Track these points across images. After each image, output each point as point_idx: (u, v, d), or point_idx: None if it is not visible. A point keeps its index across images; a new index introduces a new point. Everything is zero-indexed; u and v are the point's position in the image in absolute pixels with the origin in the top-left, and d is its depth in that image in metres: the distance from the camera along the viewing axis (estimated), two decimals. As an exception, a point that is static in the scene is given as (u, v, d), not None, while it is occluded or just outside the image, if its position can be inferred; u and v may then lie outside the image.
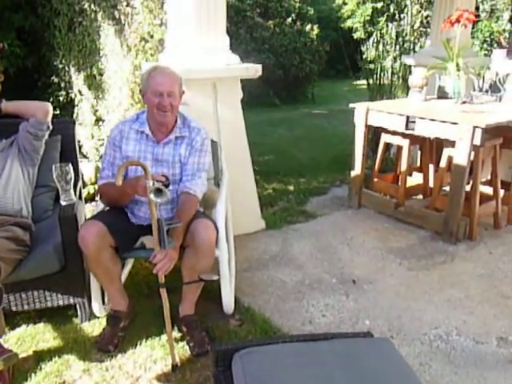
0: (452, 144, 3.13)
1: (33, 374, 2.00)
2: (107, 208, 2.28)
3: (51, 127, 2.50)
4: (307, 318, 2.39)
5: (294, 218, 3.59)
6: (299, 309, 2.47)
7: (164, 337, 2.20)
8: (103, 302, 2.35)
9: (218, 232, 2.15)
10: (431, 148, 3.87)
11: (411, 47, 9.77)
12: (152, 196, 1.84)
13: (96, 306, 2.30)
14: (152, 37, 3.16)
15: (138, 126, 2.20)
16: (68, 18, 3.66)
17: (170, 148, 2.19)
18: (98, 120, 3.76)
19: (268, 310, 2.44)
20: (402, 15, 11.92)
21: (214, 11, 2.82)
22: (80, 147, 3.88)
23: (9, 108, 2.51)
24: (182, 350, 2.15)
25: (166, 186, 1.92)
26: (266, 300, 2.54)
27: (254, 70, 3.00)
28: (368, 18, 12.86)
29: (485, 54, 11.59)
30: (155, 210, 1.90)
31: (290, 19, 9.55)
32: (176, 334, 2.23)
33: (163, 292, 2.00)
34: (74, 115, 3.86)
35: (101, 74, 3.57)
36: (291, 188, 4.25)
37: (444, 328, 2.33)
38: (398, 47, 8.57)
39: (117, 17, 3.26)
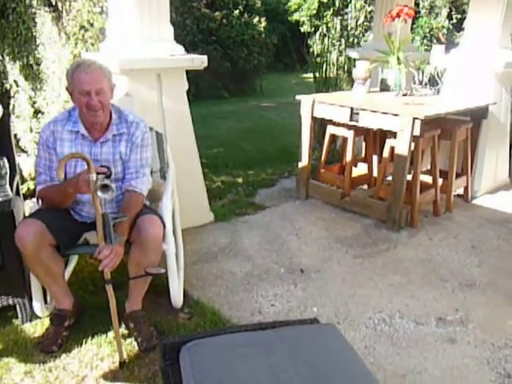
0: (394, 135, 3.24)
1: (-31, 380, 1.90)
2: (47, 205, 2.19)
3: None
4: (256, 308, 2.41)
5: (242, 210, 3.60)
6: (248, 299, 2.49)
7: (111, 334, 2.15)
8: (45, 302, 2.26)
9: (164, 226, 2.12)
10: (375, 139, 3.99)
11: (356, 41, 10.00)
12: (99, 193, 1.79)
13: (37, 306, 2.21)
14: (92, 25, 3.05)
15: (71, 126, 2.07)
16: (0, 3, 3.45)
17: (109, 147, 2.09)
18: (37, 112, 3.59)
19: (217, 302, 2.44)
20: (347, 10, 12.16)
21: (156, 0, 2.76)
22: (18, 141, 3.70)
23: None
24: (130, 346, 2.11)
25: (108, 177, 1.87)
26: (215, 292, 2.54)
27: (200, 61, 2.96)
28: (314, 11, 13.02)
29: (425, 49, 12.05)
30: (99, 204, 1.84)
31: (237, 11, 9.51)
32: (124, 330, 2.18)
33: (109, 288, 1.95)
34: (10, 107, 3.67)
35: (38, 64, 3.40)
36: (240, 180, 4.26)
37: (387, 312, 2.42)
38: (343, 41, 8.74)
39: (53, 3, 3.11)
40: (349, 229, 3.33)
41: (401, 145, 3.14)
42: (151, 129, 2.48)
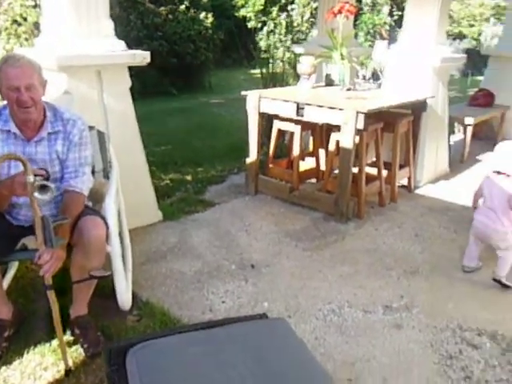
0: (339, 129, 3.30)
1: None
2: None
3: None
4: (207, 306, 2.39)
5: (192, 207, 3.56)
6: (199, 298, 2.46)
7: (55, 342, 2.07)
8: (-17, 312, 2.14)
9: (108, 227, 2.05)
10: (321, 133, 4.05)
11: (303, 37, 10.13)
12: (37, 194, 1.71)
13: (-26, 317, 2.09)
14: (25, 19, 2.90)
15: (1, 125, 1.95)
16: None
17: (44, 146, 1.99)
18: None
19: (167, 302, 2.40)
20: (293, 6, 12.27)
21: (94, -6, 2.66)
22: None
23: None
24: (76, 353, 2.04)
25: (47, 180, 1.79)
26: (164, 292, 2.50)
27: (142, 57, 2.89)
28: (261, 7, 13.05)
29: (369, 45, 12.37)
30: (38, 207, 1.76)
31: (183, 6, 9.39)
32: (69, 336, 2.11)
33: (51, 294, 1.86)
34: None
35: (-31, 61, 3.21)
36: (189, 178, 4.21)
37: (337, 302, 2.47)
38: (290, 37, 8.81)
39: (-17, -3, 2.95)
40: (298, 222, 3.37)
41: (345, 138, 3.21)
42: (92, 127, 2.39)
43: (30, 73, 1.87)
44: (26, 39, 2.91)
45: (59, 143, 2.01)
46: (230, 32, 12.80)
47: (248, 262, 2.82)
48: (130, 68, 2.94)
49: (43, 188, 1.72)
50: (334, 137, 3.49)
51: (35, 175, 1.76)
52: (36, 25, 2.92)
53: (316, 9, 10.24)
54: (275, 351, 1.52)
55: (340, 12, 3.76)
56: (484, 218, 2.63)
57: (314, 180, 4.10)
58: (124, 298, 2.25)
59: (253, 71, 11.44)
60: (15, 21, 2.85)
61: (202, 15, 9.70)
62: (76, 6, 2.60)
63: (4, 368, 1.95)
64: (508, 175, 2.54)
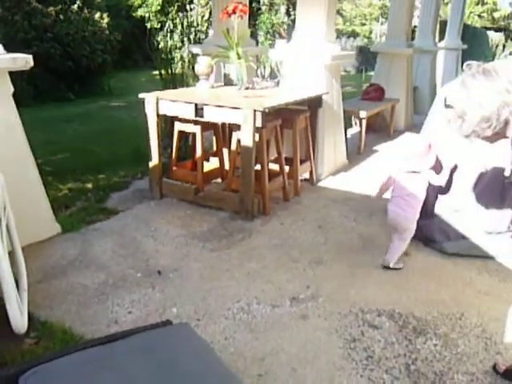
0: (239, 128, 3.33)
1: None
2: None
3: None
4: (113, 319, 2.30)
5: (93, 216, 3.40)
6: (103, 311, 2.36)
7: None
8: None
9: (-8, 246, 1.89)
10: (224, 133, 4.07)
11: (203, 37, 10.10)
12: None
13: None
14: None
15: None
16: None
17: None
18: None
19: (68, 320, 2.27)
20: (191, 6, 12.21)
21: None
22: None
23: None
24: (-35, 387, 1.86)
25: None
26: (65, 310, 2.36)
27: (24, 60, 2.69)
28: (159, 7, 12.83)
29: (269, 44, 12.68)
30: None
31: (75, 6, 8.94)
32: (-44, 370, 1.91)
33: None
34: None
35: None
36: (90, 186, 4.02)
37: (245, 300, 2.49)
38: (189, 37, 8.74)
39: None
40: (205, 224, 3.36)
41: (245, 136, 3.25)
42: (-31, 139, 2.20)
43: None
44: None
45: None
46: (130, 33, 12.45)
47: (154, 269, 2.75)
48: (22, 73, 2.74)
49: None
50: (235, 136, 3.52)
51: None
52: None
53: (215, 8, 10.26)
54: (179, 358, 1.49)
55: (234, 12, 3.79)
56: (395, 207, 2.77)
57: (219, 180, 4.11)
58: (18, 320, 2.08)
59: (155, 72, 11.22)
60: None
61: (97, 15, 9.33)
62: None
63: None
64: (417, 172, 2.68)
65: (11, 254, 2.28)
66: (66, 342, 2.10)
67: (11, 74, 2.75)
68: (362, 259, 2.95)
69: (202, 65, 3.82)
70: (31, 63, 2.72)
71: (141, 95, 3.56)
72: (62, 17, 8.56)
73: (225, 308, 2.41)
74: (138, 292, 2.52)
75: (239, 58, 3.85)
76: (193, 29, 10.67)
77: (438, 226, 3.07)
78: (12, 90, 2.75)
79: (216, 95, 3.63)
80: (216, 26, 4.66)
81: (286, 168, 3.81)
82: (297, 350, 2.14)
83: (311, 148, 4.11)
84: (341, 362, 2.08)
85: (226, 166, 4.03)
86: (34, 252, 2.79)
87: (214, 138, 4.21)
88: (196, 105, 3.38)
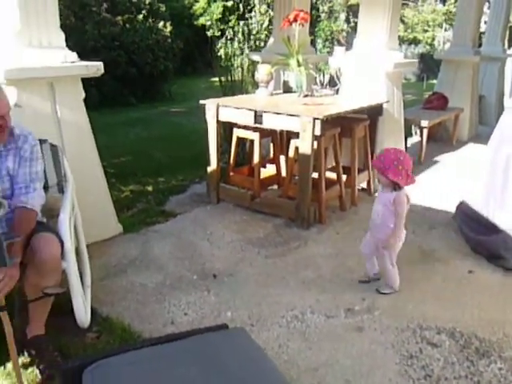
0: (297, 135, 3.33)
1: None
2: None
3: None
4: (169, 319, 2.36)
5: (153, 218, 3.51)
6: (160, 311, 2.43)
7: (9, 365, 1.99)
8: None
9: (62, 244, 1.99)
10: (281, 140, 4.09)
11: (262, 44, 10.20)
12: None
13: None
14: (-28, 32, 2.80)
15: None
16: None
17: None
18: None
19: (128, 317, 2.35)
20: (251, 14, 12.37)
21: (43, 3, 2.60)
22: None
23: None
24: (32, 374, 1.97)
25: None
26: (125, 307, 2.45)
27: (96, 68, 2.84)
28: (220, 16, 13.10)
29: (327, 52, 12.60)
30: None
31: (141, 16, 9.31)
32: (25, 358, 2.03)
33: (4, 315, 1.79)
34: None
35: None
36: (150, 189, 4.16)
37: (299, 308, 2.48)
38: (249, 45, 8.86)
39: None
40: (260, 230, 3.37)
41: (304, 144, 3.24)
42: (44, 141, 2.34)
43: (7, 99, 1.89)
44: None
45: (10, 159, 1.97)
46: (191, 40, 12.79)
47: (210, 272, 2.80)
48: (90, 79, 2.89)
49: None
50: (293, 143, 3.52)
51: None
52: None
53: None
54: (234, 362, 1.50)
55: (295, 20, 3.81)
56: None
57: (275, 187, 4.12)
58: (82, 315, 2.18)
59: (213, 79, 11.46)
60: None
61: (161, 24, 9.64)
62: (25, 16, 2.54)
63: (-46, 395, 1.86)
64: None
65: (76, 251, 2.39)
66: (125, 339, 2.18)
67: (82, 80, 2.90)
68: (420, 273, 2.86)
69: (262, 72, 3.86)
70: (102, 70, 2.86)
71: (201, 101, 3.64)
72: (128, 26, 8.94)
73: (279, 315, 2.41)
74: (194, 294, 2.57)
75: (299, 65, 3.86)
76: (252, 36, 10.78)
77: (504, 242, 2.92)
78: (83, 95, 2.90)
79: (275, 102, 3.65)
80: (276, 33, 4.70)
81: (344, 177, 3.76)
82: (351, 362, 2.10)
83: (370, 157, 4.03)
84: (397, 378, 2.02)
85: (283, 173, 4.04)
86: (98, 250, 2.92)
87: (272, 145, 4.24)
88: (255, 112, 3.41)
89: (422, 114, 5.53)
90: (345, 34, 13.91)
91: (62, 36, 2.77)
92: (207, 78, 11.60)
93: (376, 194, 4.11)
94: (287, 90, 4.07)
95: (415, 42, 16.83)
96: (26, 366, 2.00)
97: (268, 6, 11.82)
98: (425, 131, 5.21)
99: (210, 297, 2.56)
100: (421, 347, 2.20)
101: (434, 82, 10.43)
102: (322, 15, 13.58)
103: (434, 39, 17.01)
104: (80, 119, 2.89)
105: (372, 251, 2.68)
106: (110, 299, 2.51)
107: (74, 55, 2.80)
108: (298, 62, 3.84)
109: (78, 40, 7.17)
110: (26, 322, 2.07)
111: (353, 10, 13.71)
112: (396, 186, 2.49)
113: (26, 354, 2.05)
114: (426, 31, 17.41)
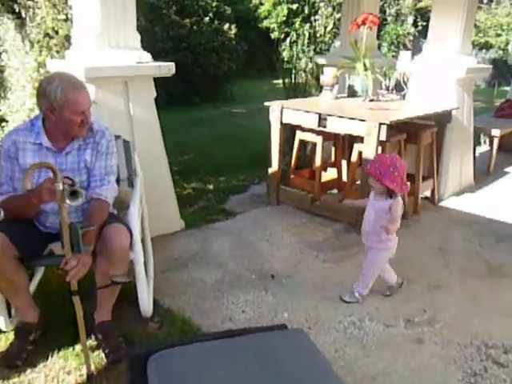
0: (361, 140, 3.29)
1: None
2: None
3: None
4: (227, 316, 2.40)
5: (213, 216, 3.59)
6: (219, 307, 2.48)
7: (78, 346, 2.11)
8: (10, 315, 2.20)
9: (131, 235, 2.09)
10: (344, 144, 4.05)
11: (326, 47, 10.15)
12: (68, 201, 1.76)
13: (1, 320, 2.15)
14: (57, 33, 3.00)
15: (33, 138, 2.03)
16: (-38, 10, 3.37)
17: (74, 156, 2.07)
18: (1, 120, 3.51)
19: (188, 310, 2.42)
20: (316, 17, 12.33)
21: (122, 7, 2.74)
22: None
23: None
24: (98, 358, 2.08)
25: (72, 187, 1.84)
26: (185, 300, 2.52)
27: (167, 68, 2.95)
28: (284, 18, 13.15)
29: (392, 56, 12.31)
30: (66, 213, 1.81)
31: (207, 18, 9.53)
32: (92, 341, 2.14)
33: (76, 300, 1.90)
34: (-27, 116, 3.57)
35: (1, 72, 3.33)
36: (211, 187, 4.25)
37: (357, 315, 2.44)
38: (312, 47, 8.85)
39: (17, 10, 3.05)
40: (319, 233, 3.36)
41: (368, 149, 3.19)
42: (118, 137, 2.46)
43: (89, 96, 2.02)
44: (57, 51, 3.00)
45: (88, 153, 2.09)
46: (255, 43, 12.93)
47: (268, 272, 2.82)
48: (156, 78, 3.01)
49: (73, 194, 1.77)
50: (356, 147, 3.48)
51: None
52: (67, 38, 3.01)
53: (339, 19, 10.27)
54: (293, 362, 1.51)
55: (364, 23, 3.76)
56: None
57: (335, 191, 4.08)
58: (146, 304, 2.28)
59: (276, 81, 11.50)
60: (47, 34, 2.96)
61: (226, 26, 9.82)
62: (106, 19, 2.68)
63: (29, 370, 2.00)
64: None
65: (142, 243, 2.49)
66: (185, 331, 2.24)
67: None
68: (486, 288, 2.73)
69: (328, 75, 3.84)
70: (173, 70, 2.97)
71: (266, 103, 3.68)
72: (195, 28, 9.18)
73: (336, 320, 2.39)
74: (252, 293, 2.60)
75: (366, 69, 3.80)
76: (315, 39, 10.75)
77: None
78: (155, 94, 3.02)
79: (339, 106, 3.62)
80: (343, 36, 4.66)
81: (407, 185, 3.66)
82: (410, 374, 2.05)
83: (435, 165, 3.91)
84: (459, 395, 1.95)
85: (344, 178, 4.00)
86: (160, 244, 3.02)
87: (333, 149, 4.21)
88: (320, 115, 3.40)
89: (493, 123, 5.27)
90: (411, 37, 13.53)
91: (138, 37, 2.90)
92: (269, 80, 11.68)
93: (441, 204, 4.00)
94: (352, 94, 4.02)
95: (487, 46, 16.07)
96: (92, 349, 2.11)
97: (333, 9, 11.72)
98: (495, 140, 4.97)
99: (267, 296, 2.58)
100: (486, 365, 2.11)
101: (506, 88, 9.93)
102: (389, 18, 13.28)
103: (507, 44, 16.17)
104: (151, 117, 3.01)
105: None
106: (171, 292, 2.59)
107: (147, 55, 2.92)
108: (364, 65, 3.79)
109: (148, 41, 7.46)
110: (94, 308, 2.18)
111: (421, 13, 13.31)
112: (392, 194, 2.41)
113: (92, 337, 2.16)
114: (499, 35, 16.58)
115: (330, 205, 3.62)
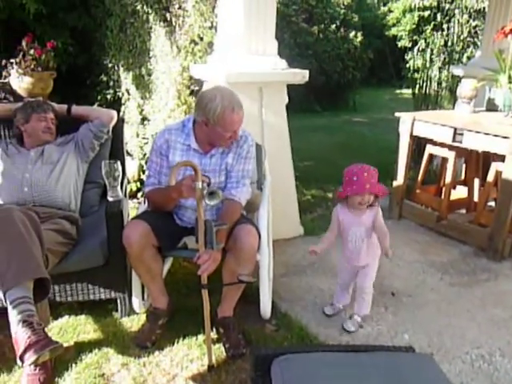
0: (501, 158, 3.03)
1: (73, 365, 2.06)
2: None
3: (111, 133, 2.62)
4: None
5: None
6: (336, 318, 2.45)
7: (201, 337, 2.22)
8: (143, 298, 2.39)
9: (259, 237, 2.15)
10: (477, 161, 3.76)
11: (458, 57, 9.56)
12: (207, 200, 1.87)
13: (136, 302, 2.34)
14: (202, 39, 3.21)
15: (183, 139, 2.18)
16: (120, 18, 3.74)
17: (217, 158, 2.19)
18: (144, 119, 3.83)
19: (305, 317, 2.43)
20: (449, 24, 11.65)
21: (263, 15, 2.84)
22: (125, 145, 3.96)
23: (78, 110, 2.68)
24: (218, 351, 2.17)
25: (208, 185, 1.94)
26: (303, 307, 2.53)
27: (301, 75, 3.00)
28: (414, 26, 12.64)
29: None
30: (203, 211, 1.92)
31: (334, 26, 9.51)
32: (212, 334, 2.24)
33: (205, 293, 2.01)
34: (121, 114, 3.95)
35: (149, 75, 3.64)
36: (330, 195, 4.22)
37: (487, 348, 2.25)
38: (444, 57, 8.37)
39: (168, 19, 3.32)
40: (444, 254, 3.16)
41: (509, 169, 2.93)
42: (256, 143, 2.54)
43: (243, 115, 2.11)
44: (200, 57, 3.21)
45: (230, 156, 2.19)
46: (379, 51, 12.60)
47: (388, 289, 2.72)
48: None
49: (212, 194, 1.87)
50: (494, 166, 3.21)
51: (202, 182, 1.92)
52: (209, 44, 3.20)
53: (475, 27, 9.59)
54: (423, 387, 1.44)
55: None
56: None
57: (463, 211, 3.81)
58: (266, 306, 2.32)
59: (399, 91, 11.11)
60: (193, 40, 3.17)
61: (352, 34, 9.70)
62: (248, 27, 2.80)
63: (157, 353, 2.15)
64: None
65: (265, 246, 2.55)
66: (302, 338, 2.25)
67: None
68: None
69: (467, 87, 3.60)
70: (307, 78, 3.01)
71: (397, 114, 3.56)
72: (321, 35, 9.21)
73: (462, 351, 2.23)
74: (371, 309, 2.52)
75: (510, 82, 3.50)
76: (447, 48, 10.15)
77: None
78: (286, 100, 3.08)
79: (477, 120, 3.37)
80: (485, 46, 4.34)
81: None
82: (549, 423, 1.84)
83: None
84: None
85: (475, 198, 3.72)
86: (279, 248, 3.07)
87: (464, 166, 3.94)
88: (455, 129, 3.20)
89: None
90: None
91: (275, 44, 2.99)
92: (390, 90, 11.32)
93: None
94: (491, 108, 3.72)
95: None
96: (213, 342, 2.20)
97: (469, 16, 10.99)
98: None
99: (387, 314, 2.49)
100: None
101: None
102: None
103: None
104: (281, 123, 3.08)
105: (350, 279, 2.42)
106: (288, 297, 2.62)
107: (283, 62, 3.00)
108: (509, 77, 3.49)
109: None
110: (217, 303, 2.28)
111: None
112: (373, 202, 2.30)
113: (214, 330, 2.26)
114: None
115: (459, 225, 3.38)
